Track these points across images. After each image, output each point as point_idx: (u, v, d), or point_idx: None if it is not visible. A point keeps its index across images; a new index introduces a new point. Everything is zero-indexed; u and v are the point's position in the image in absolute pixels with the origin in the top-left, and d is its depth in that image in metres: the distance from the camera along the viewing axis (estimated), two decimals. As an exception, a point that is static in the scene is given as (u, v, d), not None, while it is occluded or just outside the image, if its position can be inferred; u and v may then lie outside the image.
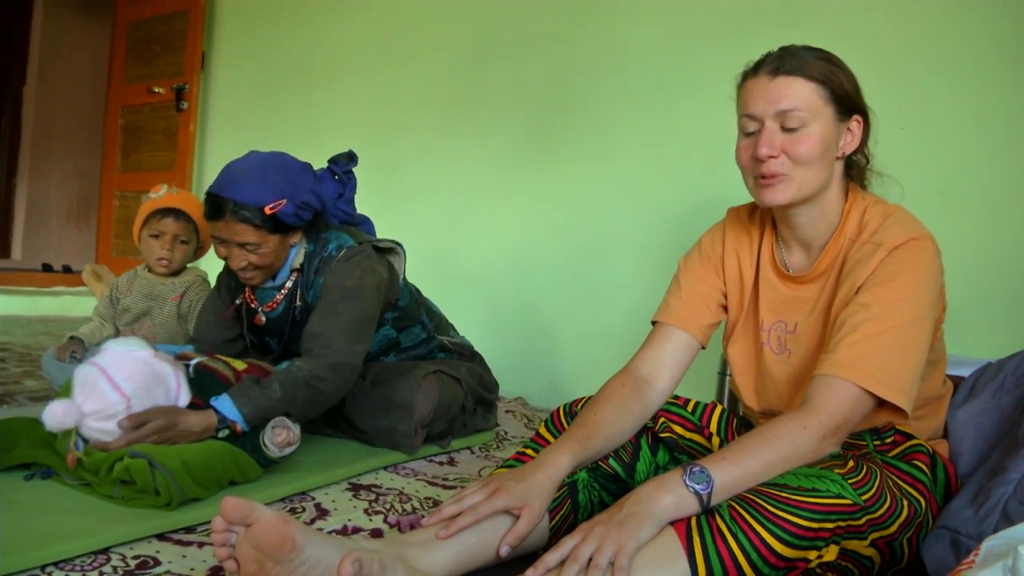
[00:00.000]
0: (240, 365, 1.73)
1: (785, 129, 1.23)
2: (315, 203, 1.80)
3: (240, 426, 1.58)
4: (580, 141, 2.76)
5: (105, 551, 1.21)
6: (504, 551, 1.12)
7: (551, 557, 1.03)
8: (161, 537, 1.28)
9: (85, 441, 1.44)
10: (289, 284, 1.87)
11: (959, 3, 2.00)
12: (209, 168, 4.28)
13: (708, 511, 1.05)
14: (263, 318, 1.90)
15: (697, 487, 1.05)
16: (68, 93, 5.83)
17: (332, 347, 1.72)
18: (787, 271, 1.36)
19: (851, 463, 1.10)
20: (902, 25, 2.09)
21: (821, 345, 1.28)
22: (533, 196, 2.89)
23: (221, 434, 1.57)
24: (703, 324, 1.41)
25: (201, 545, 1.27)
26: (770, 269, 1.39)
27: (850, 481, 1.06)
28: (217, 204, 1.70)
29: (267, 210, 1.68)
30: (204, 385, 1.62)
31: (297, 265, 1.86)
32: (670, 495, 1.05)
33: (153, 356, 1.53)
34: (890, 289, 1.18)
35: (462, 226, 3.07)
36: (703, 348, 1.43)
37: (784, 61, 1.24)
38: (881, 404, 1.15)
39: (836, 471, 1.07)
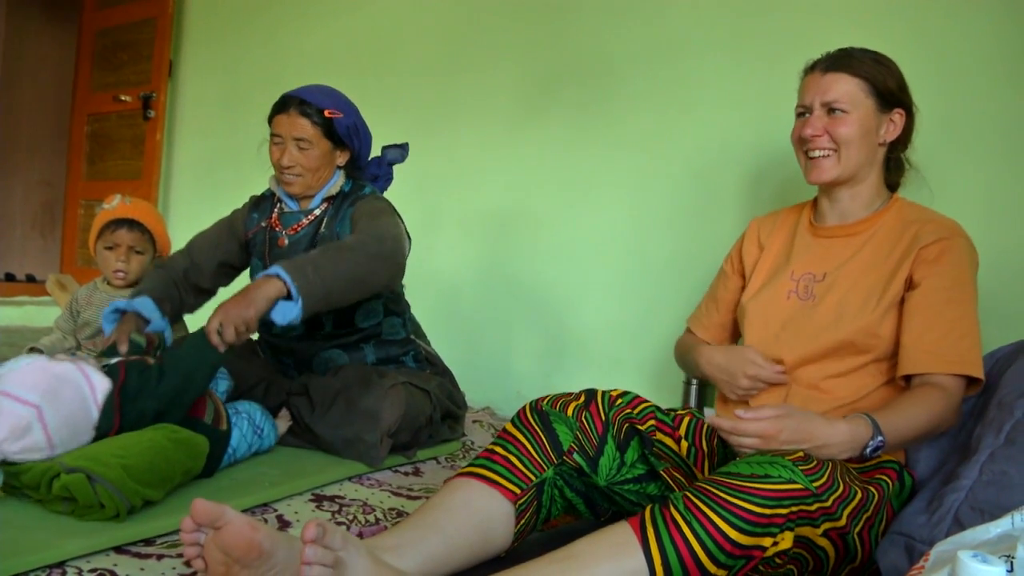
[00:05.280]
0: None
1: (830, 114, 1.48)
2: (364, 135, 2.05)
3: (291, 288, 1.63)
4: (545, 150, 2.77)
5: (60, 565, 1.18)
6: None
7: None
8: (119, 550, 1.26)
9: (7, 465, 1.37)
10: (317, 212, 2.03)
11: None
12: (176, 177, 4.23)
13: (663, 502, 1.07)
14: (286, 240, 2.02)
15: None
16: (33, 101, 5.74)
17: (377, 226, 1.87)
18: (822, 226, 1.58)
19: (800, 453, 1.13)
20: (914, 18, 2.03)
21: (846, 296, 1.45)
22: (500, 205, 2.90)
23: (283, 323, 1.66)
24: (732, 327, 1.75)
25: (160, 557, 1.25)
26: (807, 231, 1.61)
27: (800, 468, 1.09)
28: (285, 100, 1.97)
29: (326, 113, 1.95)
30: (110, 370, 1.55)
31: (332, 193, 2.03)
32: (846, 423, 1.24)
33: (48, 361, 1.45)
34: (956, 277, 1.39)
35: (428, 235, 3.07)
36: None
37: (835, 60, 1.50)
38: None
39: (787, 457, 1.10)
